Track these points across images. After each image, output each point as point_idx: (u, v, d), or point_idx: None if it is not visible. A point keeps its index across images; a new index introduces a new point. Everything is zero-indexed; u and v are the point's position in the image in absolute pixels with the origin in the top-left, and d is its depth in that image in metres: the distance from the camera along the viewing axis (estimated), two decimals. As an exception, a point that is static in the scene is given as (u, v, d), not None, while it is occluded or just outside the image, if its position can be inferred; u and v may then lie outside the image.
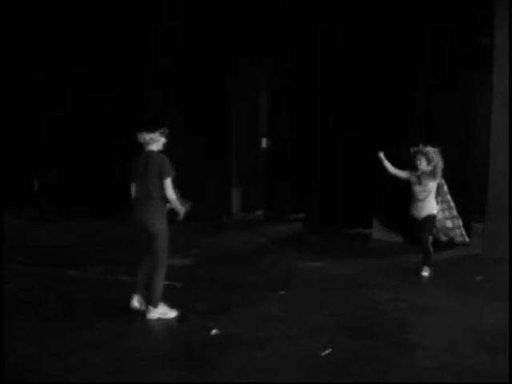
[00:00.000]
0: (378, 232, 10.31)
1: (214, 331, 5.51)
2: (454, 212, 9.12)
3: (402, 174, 7.93)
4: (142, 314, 5.97)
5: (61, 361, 4.81)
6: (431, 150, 7.73)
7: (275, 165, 12.59)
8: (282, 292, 6.88)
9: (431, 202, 7.79)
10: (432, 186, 7.76)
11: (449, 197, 8.94)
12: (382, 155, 7.93)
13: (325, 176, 10.86)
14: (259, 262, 8.56)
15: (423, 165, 7.73)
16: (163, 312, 5.95)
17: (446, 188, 8.79)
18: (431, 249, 7.79)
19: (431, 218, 7.80)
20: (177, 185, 6.00)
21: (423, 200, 7.73)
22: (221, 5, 11.57)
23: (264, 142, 13.11)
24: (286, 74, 12.32)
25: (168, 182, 5.85)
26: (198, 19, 11.69)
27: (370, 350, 5.13)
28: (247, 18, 11.77)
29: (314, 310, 6.17)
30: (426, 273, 7.75)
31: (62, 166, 12.21)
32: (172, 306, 6.01)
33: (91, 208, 11.71)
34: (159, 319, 5.88)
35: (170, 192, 5.87)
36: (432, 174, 7.72)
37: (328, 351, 5.02)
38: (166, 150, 6.13)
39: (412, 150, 7.82)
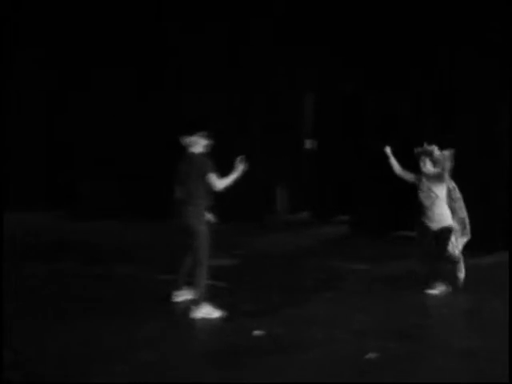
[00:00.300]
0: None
1: (257, 332, 5.50)
2: (468, 229, 7.24)
3: (407, 175, 7.18)
4: (186, 313, 6.03)
5: (109, 361, 4.88)
6: (437, 151, 6.94)
7: (321, 166, 12.52)
8: (327, 294, 6.84)
9: (442, 211, 6.92)
10: (438, 190, 6.90)
11: (462, 205, 7.20)
12: (388, 150, 7.22)
13: (371, 177, 10.74)
14: (305, 263, 8.53)
15: (427, 167, 6.94)
16: (207, 312, 5.99)
17: (458, 193, 7.18)
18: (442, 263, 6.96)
19: (446, 231, 6.93)
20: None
21: (430, 207, 6.90)
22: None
23: (309, 143, 13.05)
24: (333, 75, 12.24)
25: (212, 177, 5.98)
26: (245, 18, 11.77)
27: (415, 354, 5.05)
28: (291, 17, 11.76)
29: (360, 313, 6.11)
30: (434, 291, 6.87)
31: (104, 166, 12.44)
32: (217, 305, 6.04)
33: (132, 208, 11.89)
34: (203, 319, 5.93)
35: (219, 184, 6.03)
36: (438, 178, 6.91)
37: (372, 354, 4.96)
38: (212, 150, 6.21)
39: (416, 150, 7.08)
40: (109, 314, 6.08)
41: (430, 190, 6.90)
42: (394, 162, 7.22)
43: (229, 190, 6.21)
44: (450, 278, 6.99)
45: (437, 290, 6.85)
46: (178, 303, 6.23)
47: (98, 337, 5.39)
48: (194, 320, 5.90)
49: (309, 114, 13.06)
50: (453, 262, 7.04)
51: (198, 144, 6.18)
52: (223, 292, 6.81)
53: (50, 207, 12.58)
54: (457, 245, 7.12)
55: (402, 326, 5.75)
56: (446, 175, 6.90)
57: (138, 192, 12.09)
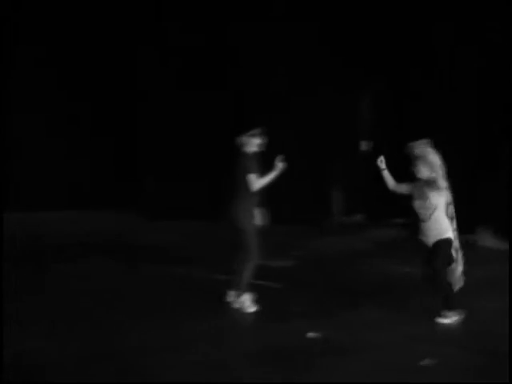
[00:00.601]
0: (483, 239, 9.94)
1: (310, 334, 5.51)
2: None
3: (402, 188, 6.27)
4: (239, 311, 6.16)
5: (162, 357, 4.96)
6: (429, 151, 5.95)
7: (376, 168, 12.37)
8: (382, 297, 6.79)
9: (440, 222, 5.91)
10: (435, 199, 5.89)
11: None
12: (381, 162, 6.42)
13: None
14: (360, 266, 8.49)
15: (422, 172, 5.98)
16: (245, 304, 6.19)
17: (451, 209, 6.04)
18: (451, 286, 5.95)
19: (443, 244, 5.90)
20: (277, 188, 6.14)
21: (427, 220, 5.93)
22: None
23: (364, 145, 12.95)
24: (389, 75, 12.10)
25: (250, 177, 6.16)
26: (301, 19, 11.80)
27: (473, 362, 4.93)
28: (347, 17, 11.73)
29: (415, 317, 6.04)
30: (446, 320, 5.89)
31: (169, 167, 12.67)
32: (270, 306, 6.11)
33: (198, 208, 12.06)
34: (240, 309, 6.13)
35: (256, 184, 6.17)
36: (432, 184, 5.91)
37: (428, 361, 4.89)
38: (267, 150, 6.29)
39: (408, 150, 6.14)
40: (165, 312, 6.20)
41: (425, 199, 5.94)
42: (387, 175, 6.45)
43: (284, 191, 6.27)
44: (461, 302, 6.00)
45: (449, 319, 5.90)
46: (229, 300, 6.35)
47: (155, 334, 5.49)
48: (247, 319, 5.98)
49: (364, 115, 12.98)
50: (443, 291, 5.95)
51: (250, 144, 6.34)
52: (278, 293, 6.86)
53: (116, 206, 12.89)
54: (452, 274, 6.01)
55: (461, 334, 5.67)
56: (441, 181, 5.90)
57: (203, 192, 12.26)
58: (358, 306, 6.45)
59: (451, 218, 6.02)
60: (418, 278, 7.69)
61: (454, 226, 6.04)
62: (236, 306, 6.24)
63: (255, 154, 6.37)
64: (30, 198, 12.59)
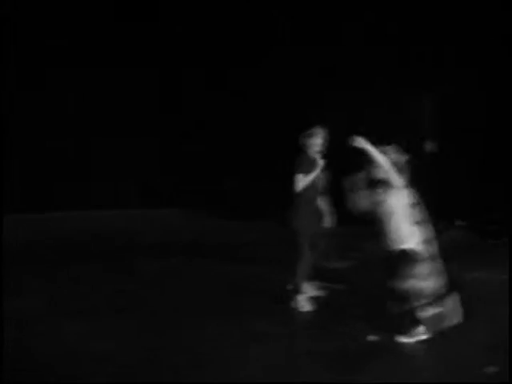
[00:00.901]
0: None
1: (370, 337, 5.46)
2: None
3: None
4: (297, 311, 6.26)
5: (219, 354, 5.05)
6: (372, 149, 5.30)
7: (443, 168, 12.14)
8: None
9: (400, 228, 5.19)
10: (392, 201, 5.21)
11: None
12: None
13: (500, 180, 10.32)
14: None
15: (374, 173, 5.40)
16: (301, 304, 6.27)
17: (418, 212, 5.28)
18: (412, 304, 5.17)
19: (402, 255, 5.16)
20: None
21: (387, 225, 5.28)
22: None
23: (429, 145, 12.70)
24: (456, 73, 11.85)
25: (296, 177, 6.31)
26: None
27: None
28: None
29: (482, 323, 5.86)
30: (409, 338, 5.27)
31: (247, 167, 12.80)
32: (329, 308, 6.12)
33: (274, 208, 12.12)
34: (296, 309, 6.22)
35: (298, 185, 6.32)
36: (386, 185, 5.27)
37: (491, 368, 4.73)
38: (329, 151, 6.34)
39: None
40: (227, 309, 6.32)
41: (383, 201, 5.32)
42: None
43: (345, 193, 6.27)
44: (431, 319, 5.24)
45: (412, 337, 5.27)
46: (291, 302, 6.39)
47: (214, 331, 5.60)
48: (309, 320, 6.01)
49: (429, 115, 12.73)
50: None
51: (309, 143, 6.38)
52: (338, 294, 6.82)
53: (193, 205, 13.12)
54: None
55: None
56: (397, 180, 5.25)
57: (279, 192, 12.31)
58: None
59: (419, 223, 5.24)
60: (485, 283, 7.55)
61: (427, 232, 5.25)
62: (292, 305, 6.31)
63: (315, 153, 6.37)
64: (101, 196, 12.97)
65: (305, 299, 6.34)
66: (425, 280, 5.14)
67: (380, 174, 5.26)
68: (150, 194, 13.46)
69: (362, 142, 5.27)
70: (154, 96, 13.96)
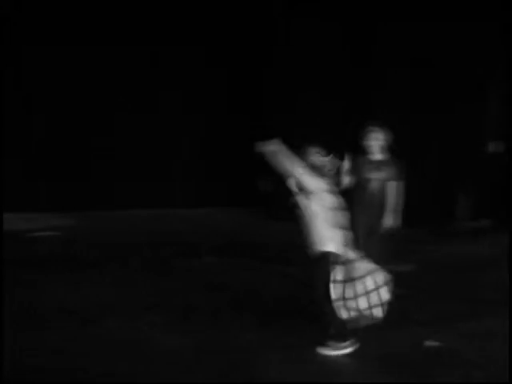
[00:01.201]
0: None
1: (429, 342, 5.27)
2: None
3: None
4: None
5: (276, 356, 4.93)
6: (311, 150, 5.15)
7: (507, 170, 11.72)
8: (507, 308, 6.36)
9: (319, 231, 5.01)
10: (311, 205, 5.03)
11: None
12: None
13: None
14: (485, 273, 8.03)
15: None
16: None
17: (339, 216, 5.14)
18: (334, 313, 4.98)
19: (321, 258, 5.01)
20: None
21: (308, 229, 5.09)
22: None
23: (493, 146, 12.27)
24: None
25: (345, 177, 6.30)
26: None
27: None
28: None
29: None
30: (326, 351, 4.97)
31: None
32: (392, 311, 5.94)
33: None
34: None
35: (343, 185, 6.25)
36: (302, 188, 5.07)
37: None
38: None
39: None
40: (277, 310, 6.18)
41: (302, 204, 5.11)
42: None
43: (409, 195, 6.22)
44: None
45: (335, 350, 4.96)
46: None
47: (267, 333, 5.49)
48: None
49: (495, 114, 12.32)
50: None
51: (365, 144, 6.39)
52: (396, 298, 6.58)
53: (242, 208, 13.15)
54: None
55: None
56: (311, 183, 5.01)
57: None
58: (481, 316, 6.09)
59: (340, 226, 5.09)
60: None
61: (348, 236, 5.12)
62: None
63: (371, 153, 6.34)
64: (155, 196, 13.14)
65: None
66: (342, 283, 4.99)
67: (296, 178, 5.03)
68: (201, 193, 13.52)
69: (269, 147, 5.00)
70: (222, 94, 14.02)
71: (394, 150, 6.55)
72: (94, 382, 4.28)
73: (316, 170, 5.04)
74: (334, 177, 5.22)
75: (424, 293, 6.99)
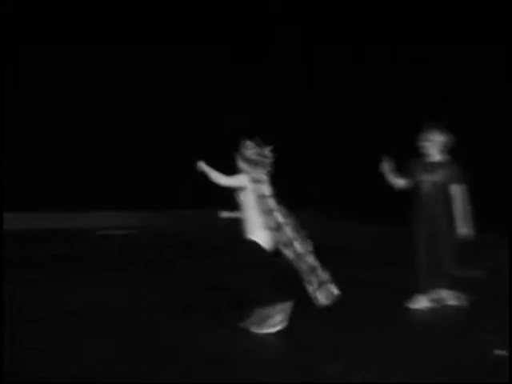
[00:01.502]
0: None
1: (498, 351, 4.92)
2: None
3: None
4: (418, 315, 6.13)
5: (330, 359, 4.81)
6: (248, 144, 5.48)
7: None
8: None
9: (251, 221, 5.33)
10: (243, 197, 5.39)
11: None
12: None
13: None
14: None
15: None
16: (421, 305, 6.24)
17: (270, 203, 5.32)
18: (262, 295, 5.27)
19: (248, 244, 5.31)
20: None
21: (245, 221, 5.41)
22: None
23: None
24: None
25: (408, 179, 6.40)
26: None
27: None
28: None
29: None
30: (258, 329, 5.30)
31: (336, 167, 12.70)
32: (455, 317, 6.05)
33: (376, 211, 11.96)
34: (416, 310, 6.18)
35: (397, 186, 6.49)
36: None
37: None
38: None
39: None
40: (347, 313, 6.04)
41: (240, 192, 5.46)
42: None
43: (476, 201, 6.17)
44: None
45: (259, 330, 5.28)
46: (414, 309, 6.28)
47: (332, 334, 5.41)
48: (428, 328, 5.74)
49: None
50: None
51: (425, 146, 6.26)
52: (465, 305, 6.41)
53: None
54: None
55: None
56: (245, 179, 5.34)
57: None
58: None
59: (269, 215, 5.26)
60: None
61: (283, 221, 5.25)
62: (410, 305, 6.26)
63: (431, 155, 6.26)
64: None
65: (425, 301, 6.24)
66: (264, 271, 5.28)
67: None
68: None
69: (201, 168, 5.40)
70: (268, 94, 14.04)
71: (453, 152, 6.30)
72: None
73: (252, 162, 5.35)
74: (269, 166, 5.43)
75: (494, 300, 6.66)
